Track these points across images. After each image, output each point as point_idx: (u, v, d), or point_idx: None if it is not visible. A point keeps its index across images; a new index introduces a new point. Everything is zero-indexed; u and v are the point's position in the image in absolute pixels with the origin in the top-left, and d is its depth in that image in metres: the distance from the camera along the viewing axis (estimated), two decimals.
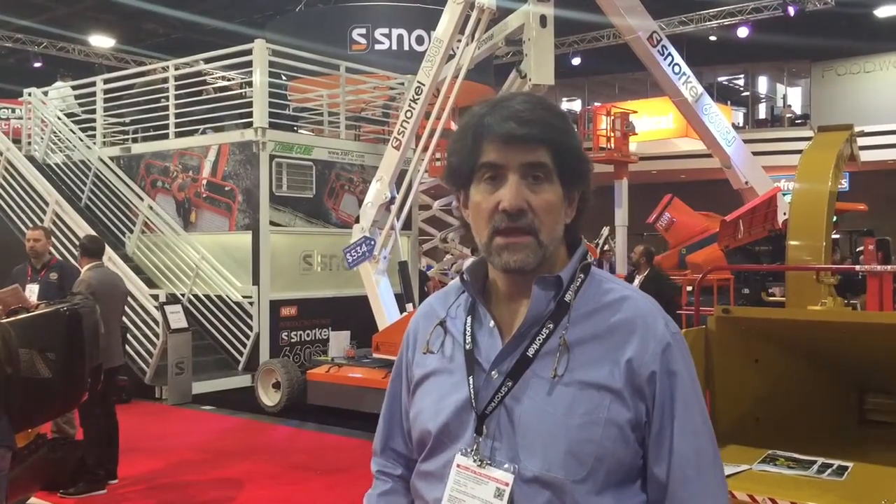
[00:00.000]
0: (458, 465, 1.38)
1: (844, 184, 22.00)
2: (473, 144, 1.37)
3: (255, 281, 10.79)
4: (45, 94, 13.87)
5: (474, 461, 1.36)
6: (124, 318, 9.97)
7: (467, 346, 1.43)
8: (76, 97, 13.98)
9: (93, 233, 10.87)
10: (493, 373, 1.38)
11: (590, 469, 1.30)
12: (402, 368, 1.57)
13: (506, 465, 1.34)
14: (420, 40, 16.08)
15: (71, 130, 12.95)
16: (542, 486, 1.32)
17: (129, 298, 10.20)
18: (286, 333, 11.01)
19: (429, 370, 1.48)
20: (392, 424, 1.61)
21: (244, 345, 10.74)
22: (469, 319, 1.45)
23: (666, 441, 1.34)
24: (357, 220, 10.13)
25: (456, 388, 1.42)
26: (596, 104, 21.13)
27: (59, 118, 13.22)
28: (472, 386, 1.39)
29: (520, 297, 1.42)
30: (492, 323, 1.43)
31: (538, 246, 1.36)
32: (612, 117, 16.85)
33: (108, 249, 10.68)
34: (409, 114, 9.66)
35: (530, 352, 1.36)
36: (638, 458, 1.35)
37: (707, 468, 1.35)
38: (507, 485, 1.33)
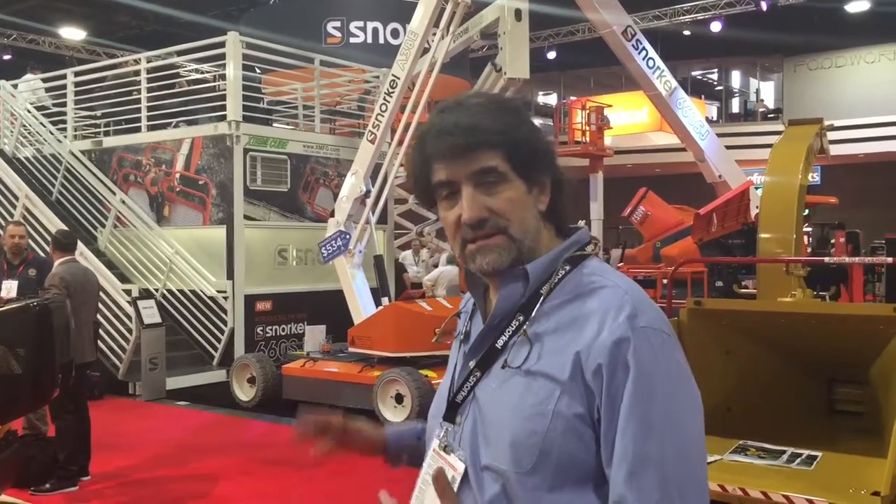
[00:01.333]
0: (433, 449, 1.44)
1: (816, 177, 22.28)
2: (422, 167, 1.38)
3: (230, 275, 10.72)
4: (15, 86, 13.65)
5: (440, 446, 1.42)
6: (97, 314, 9.92)
7: (461, 337, 1.50)
8: (46, 90, 13.79)
9: (64, 227, 10.76)
10: (470, 363, 1.41)
11: (535, 462, 1.27)
12: None
13: (460, 453, 1.37)
14: (395, 34, 16.03)
15: (41, 124, 12.77)
16: (493, 477, 1.32)
17: (102, 294, 10.13)
18: (261, 328, 10.96)
19: (450, 357, 1.57)
20: None
21: (219, 340, 10.67)
22: (472, 310, 1.52)
23: (611, 440, 1.25)
24: (332, 214, 10.10)
25: (449, 376, 1.50)
26: (571, 98, 21.18)
27: (28, 111, 13.02)
28: (454, 375, 1.45)
29: None
30: (480, 315, 1.48)
31: (511, 242, 1.34)
32: (588, 111, 16.93)
33: (80, 244, 10.59)
34: (383, 107, 9.64)
35: (499, 343, 1.37)
36: (596, 457, 1.28)
37: (649, 474, 1.21)
38: (458, 472, 1.36)
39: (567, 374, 1.28)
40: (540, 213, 1.39)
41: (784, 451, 3.58)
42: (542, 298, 1.35)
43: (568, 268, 1.37)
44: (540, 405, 1.29)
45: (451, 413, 1.41)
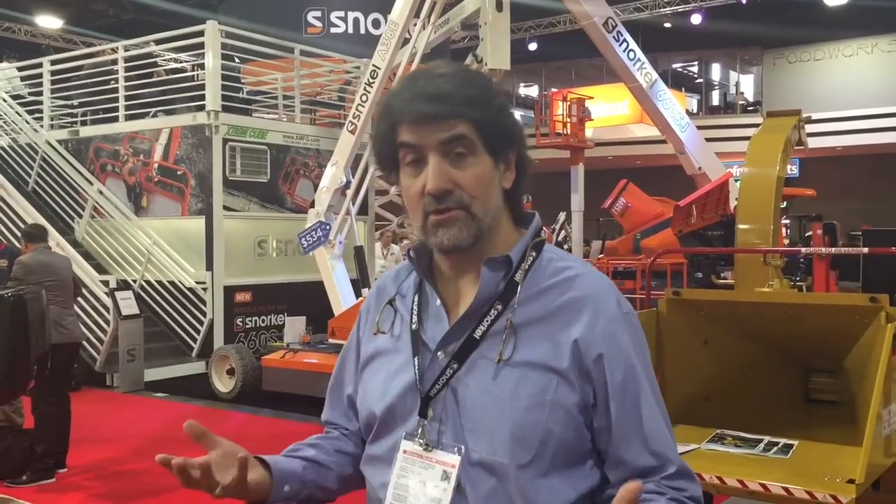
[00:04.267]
0: (404, 450, 1.36)
1: (794, 170, 22.47)
2: (388, 128, 1.34)
3: (209, 266, 10.65)
4: None
5: (419, 444, 1.34)
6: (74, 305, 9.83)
7: (413, 326, 1.40)
8: (22, 79, 13.61)
9: (41, 218, 10.67)
10: (438, 354, 1.35)
11: (535, 453, 1.27)
12: (354, 344, 1.54)
13: (452, 448, 1.31)
14: (376, 24, 15.96)
15: (17, 113, 12.62)
16: (488, 471, 1.29)
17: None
18: (241, 319, 10.90)
19: (377, 350, 1.45)
20: (334, 397, 1.58)
21: (198, 331, 10.61)
22: (416, 298, 1.42)
23: (619, 422, 1.30)
24: (312, 205, 10.06)
25: (402, 369, 1.39)
26: (552, 90, 21.21)
27: (4, 100, 12.86)
28: (417, 367, 1.36)
29: (464, 275, 1.38)
30: (438, 302, 1.39)
31: (471, 219, 1.31)
32: (569, 103, 16.93)
33: (56, 235, 10.49)
34: (364, 98, 9.60)
35: (477, 333, 1.33)
36: (586, 442, 1.31)
37: (660, 442, 1.33)
38: (453, 467, 1.31)
39: (565, 363, 1.29)
40: (504, 190, 1.37)
41: (761, 440, 3.60)
42: (518, 287, 1.34)
43: (535, 254, 1.37)
44: (538, 396, 1.28)
45: (425, 408, 1.34)
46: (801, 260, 10.17)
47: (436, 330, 1.38)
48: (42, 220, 10.53)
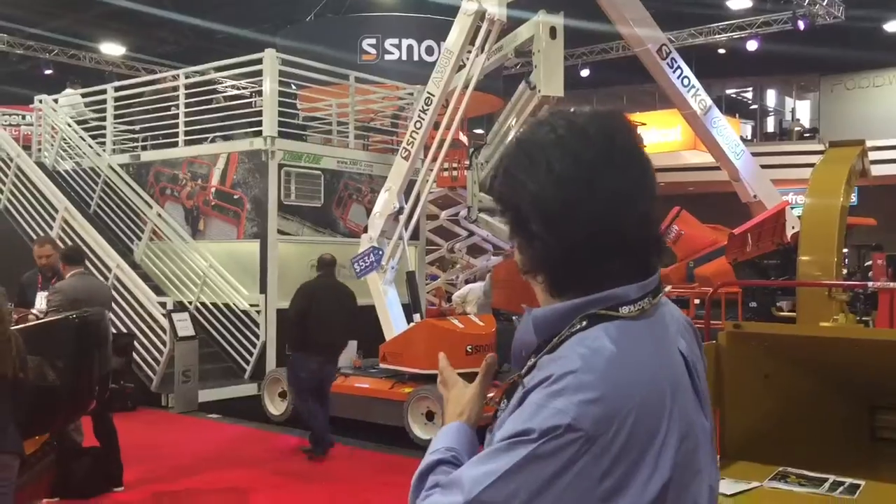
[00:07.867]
0: None
1: (853, 198, 21.98)
2: None
3: (263, 289, 10.78)
4: (56, 100, 13.93)
5: None
6: (132, 326, 10.01)
7: None
8: (86, 104, 14.04)
9: (102, 240, 10.94)
10: None
11: None
12: None
13: None
14: (430, 51, 16.12)
15: (81, 137, 13.01)
16: None
17: (137, 306, 10.23)
18: None
19: None
20: None
21: (251, 353, 10.73)
22: None
23: None
24: (365, 230, 10.14)
25: None
26: None
27: (69, 125, 13.28)
28: None
29: None
30: None
31: None
32: None
33: (116, 257, 10.75)
34: (418, 124, 9.68)
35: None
36: None
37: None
38: None
39: None
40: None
41: (826, 479, 3.50)
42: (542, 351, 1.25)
43: (584, 324, 1.23)
44: None
45: None
46: (862, 292, 9.90)
47: None
48: (103, 243, 10.82)
